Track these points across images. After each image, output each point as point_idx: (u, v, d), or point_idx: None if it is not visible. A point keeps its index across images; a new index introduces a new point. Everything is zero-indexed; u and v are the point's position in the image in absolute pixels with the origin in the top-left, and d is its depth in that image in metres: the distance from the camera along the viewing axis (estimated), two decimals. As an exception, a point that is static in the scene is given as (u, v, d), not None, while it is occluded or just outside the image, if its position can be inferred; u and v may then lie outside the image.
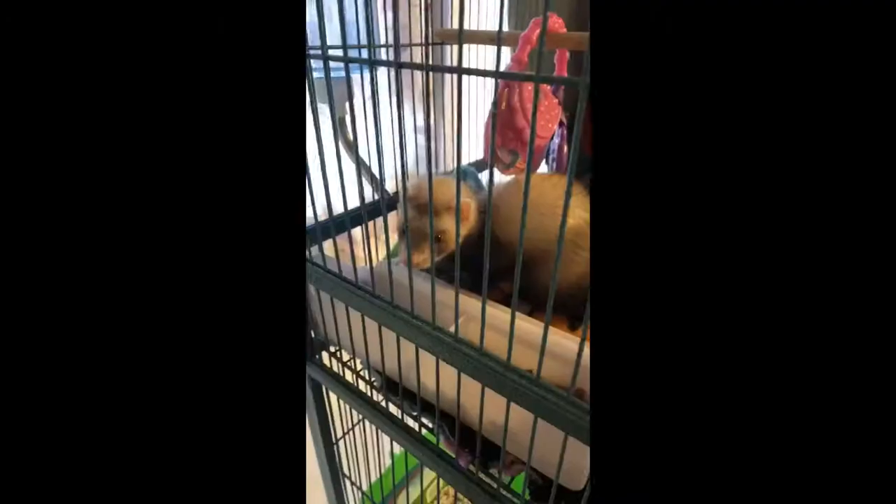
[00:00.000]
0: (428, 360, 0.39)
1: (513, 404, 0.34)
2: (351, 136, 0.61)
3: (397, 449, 0.71)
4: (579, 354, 0.27)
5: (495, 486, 0.41)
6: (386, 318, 0.40)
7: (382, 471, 0.80)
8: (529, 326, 0.46)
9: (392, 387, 0.49)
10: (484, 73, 0.26)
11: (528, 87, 0.50)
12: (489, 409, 0.37)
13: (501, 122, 0.51)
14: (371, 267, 0.45)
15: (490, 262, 0.32)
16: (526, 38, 0.49)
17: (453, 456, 0.44)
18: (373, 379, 0.54)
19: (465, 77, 0.25)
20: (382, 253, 0.76)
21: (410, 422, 0.49)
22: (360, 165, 0.62)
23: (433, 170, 0.33)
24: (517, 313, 0.32)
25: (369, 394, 0.53)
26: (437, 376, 0.40)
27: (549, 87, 0.57)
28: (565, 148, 0.62)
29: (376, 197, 0.69)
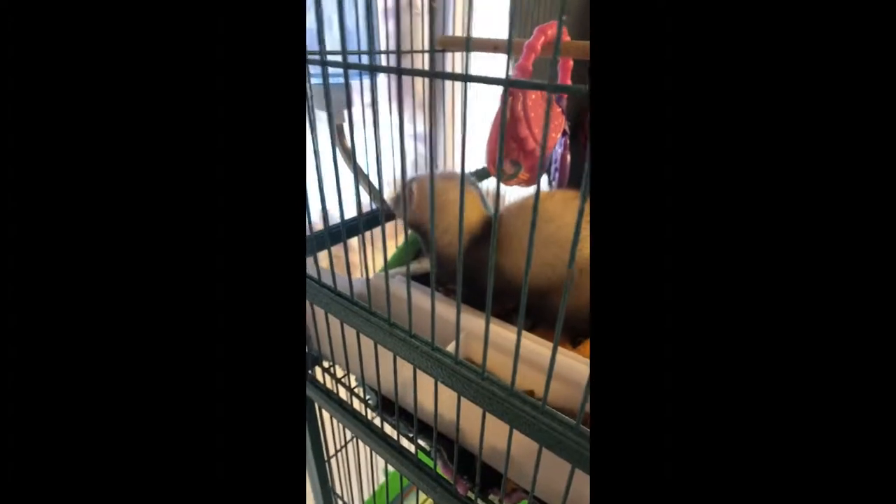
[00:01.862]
0: (426, 379, 0.37)
1: (515, 430, 0.32)
2: (349, 144, 0.60)
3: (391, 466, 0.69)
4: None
5: (495, 514, 0.39)
6: (382, 336, 0.38)
7: (375, 488, 0.78)
8: (533, 345, 0.45)
9: (388, 406, 0.47)
10: (490, 81, 0.24)
11: (532, 96, 0.48)
12: (490, 433, 0.35)
13: (505, 132, 0.49)
14: (367, 279, 0.43)
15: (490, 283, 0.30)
16: (531, 47, 0.47)
17: (451, 482, 0.42)
18: (368, 397, 0.52)
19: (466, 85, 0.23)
20: (379, 264, 0.74)
21: (406, 442, 0.47)
22: (358, 174, 0.61)
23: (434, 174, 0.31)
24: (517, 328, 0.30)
25: (364, 412, 0.51)
26: (435, 398, 0.38)
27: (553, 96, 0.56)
28: (568, 157, 0.60)
29: (373, 207, 0.68)
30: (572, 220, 0.45)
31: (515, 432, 0.32)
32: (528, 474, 0.34)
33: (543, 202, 0.47)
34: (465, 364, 0.33)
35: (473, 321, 0.48)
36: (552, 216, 0.46)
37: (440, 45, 0.59)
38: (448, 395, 0.36)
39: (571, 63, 0.55)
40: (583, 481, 0.29)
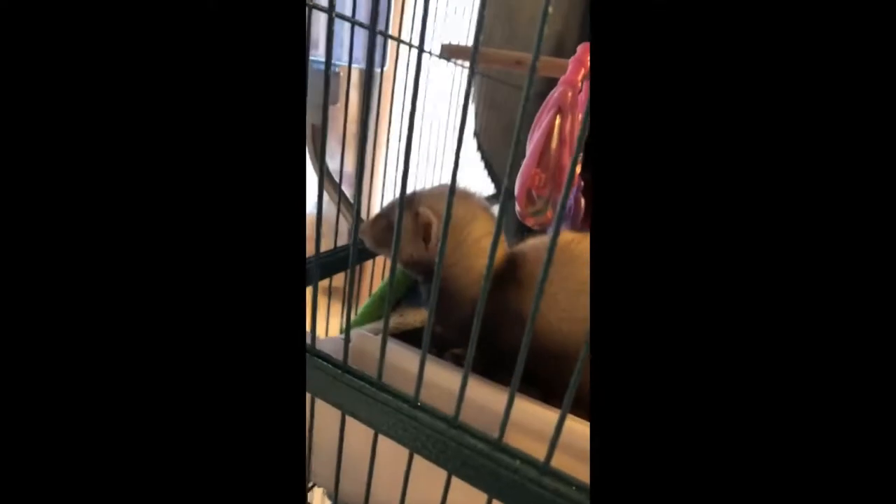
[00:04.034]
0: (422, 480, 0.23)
1: None
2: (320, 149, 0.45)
3: None
4: None
5: None
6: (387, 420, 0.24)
7: None
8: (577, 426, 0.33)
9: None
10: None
11: (580, 118, 0.40)
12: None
13: (543, 158, 0.39)
14: (346, 338, 0.28)
15: (510, 343, 0.23)
16: (579, 61, 0.39)
17: None
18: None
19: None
20: (335, 322, 0.56)
21: None
22: (335, 193, 0.45)
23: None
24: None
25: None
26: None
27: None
28: (582, 200, 0.53)
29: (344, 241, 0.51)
30: None
31: None
32: None
33: (578, 244, 0.38)
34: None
35: (482, 391, 0.34)
36: (572, 256, 0.37)
37: (446, 53, 0.49)
38: None
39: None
40: None
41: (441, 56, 0.49)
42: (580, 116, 0.40)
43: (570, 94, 0.39)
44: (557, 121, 0.38)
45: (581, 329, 0.36)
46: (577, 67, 0.39)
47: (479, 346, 0.32)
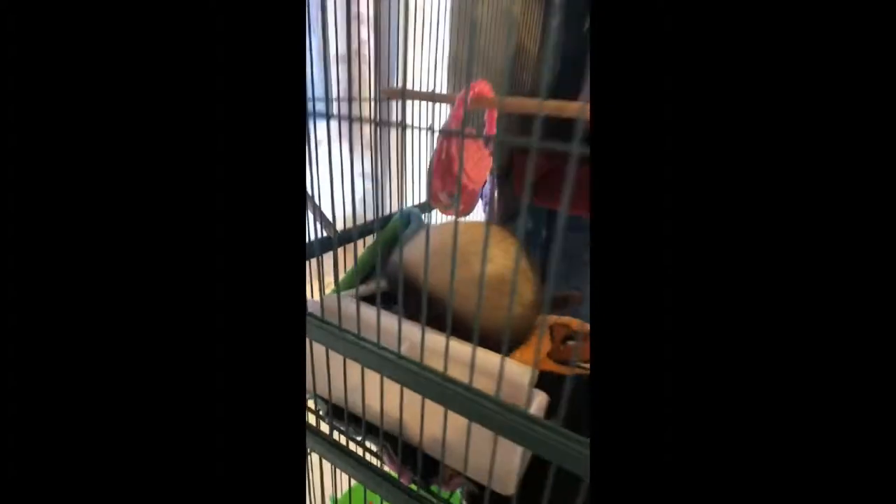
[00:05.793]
0: (372, 382, 0.43)
1: (450, 418, 0.38)
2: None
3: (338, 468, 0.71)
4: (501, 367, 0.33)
5: (435, 501, 0.44)
6: (333, 341, 0.43)
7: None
8: (464, 349, 0.51)
9: (337, 413, 0.51)
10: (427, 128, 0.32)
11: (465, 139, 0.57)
12: (429, 424, 0.40)
13: (442, 169, 0.58)
14: (321, 299, 0.48)
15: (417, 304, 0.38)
16: (461, 100, 0.57)
17: (396, 476, 0.46)
18: (318, 409, 0.56)
19: (409, 129, 0.31)
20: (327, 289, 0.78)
21: (354, 447, 0.51)
22: (310, 204, 0.67)
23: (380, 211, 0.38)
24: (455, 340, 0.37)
25: (315, 424, 0.54)
26: (381, 396, 0.43)
27: (481, 140, 0.66)
28: (496, 193, 0.70)
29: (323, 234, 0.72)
30: (466, 239, 0.54)
31: (450, 421, 0.38)
32: (463, 459, 0.39)
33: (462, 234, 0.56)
34: (406, 358, 0.39)
35: (413, 332, 0.54)
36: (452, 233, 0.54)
37: (384, 95, 0.68)
38: (393, 395, 0.42)
39: (496, 114, 0.66)
40: (505, 456, 0.35)
41: (384, 97, 0.68)
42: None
43: (453, 124, 0.56)
44: (445, 145, 0.56)
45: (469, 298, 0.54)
46: (461, 104, 0.57)
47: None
